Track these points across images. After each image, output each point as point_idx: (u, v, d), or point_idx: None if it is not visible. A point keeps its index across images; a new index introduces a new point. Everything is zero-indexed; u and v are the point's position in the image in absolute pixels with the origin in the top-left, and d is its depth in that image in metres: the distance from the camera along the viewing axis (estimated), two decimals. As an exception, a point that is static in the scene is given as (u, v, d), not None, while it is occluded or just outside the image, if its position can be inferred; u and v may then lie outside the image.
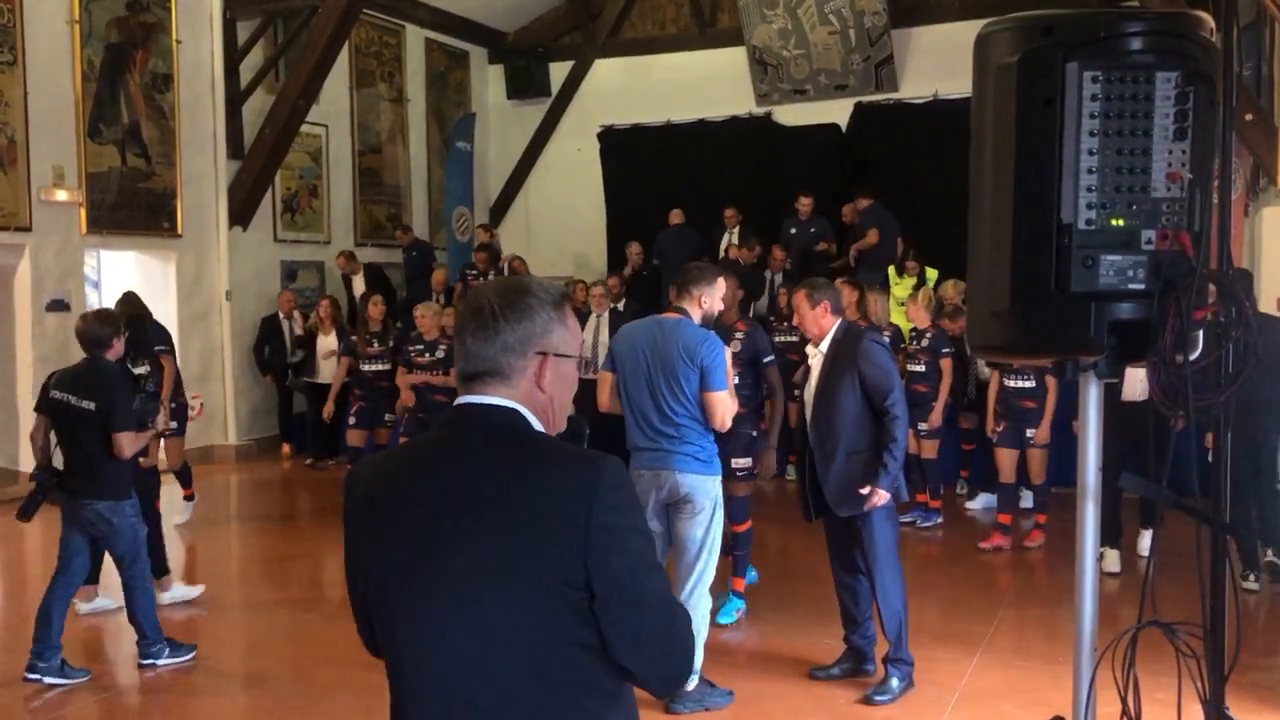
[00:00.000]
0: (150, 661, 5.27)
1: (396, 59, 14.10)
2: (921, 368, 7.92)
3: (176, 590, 6.32)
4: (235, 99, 11.62)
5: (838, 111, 13.35)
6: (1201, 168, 2.10)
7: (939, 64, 12.03)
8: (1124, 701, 2.21)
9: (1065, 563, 6.54)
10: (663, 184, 13.64)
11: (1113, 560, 6.55)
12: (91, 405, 5.08)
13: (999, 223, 2.21)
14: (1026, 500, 8.17)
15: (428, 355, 8.08)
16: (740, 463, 5.97)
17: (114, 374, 5.27)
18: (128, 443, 5.11)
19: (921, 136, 12.53)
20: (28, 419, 9.62)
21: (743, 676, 5.13)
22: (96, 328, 5.23)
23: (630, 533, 1.71)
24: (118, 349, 5.29)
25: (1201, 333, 2.14)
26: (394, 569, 1.77)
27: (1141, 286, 2.11)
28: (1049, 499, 7.45)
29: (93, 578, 6.03)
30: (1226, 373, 2.19)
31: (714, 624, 5.21)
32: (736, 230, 12.28)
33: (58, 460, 5.31)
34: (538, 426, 1.81)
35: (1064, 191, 2.11)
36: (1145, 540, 6.90)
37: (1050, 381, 7.08)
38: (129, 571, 5.26)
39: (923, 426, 7.87)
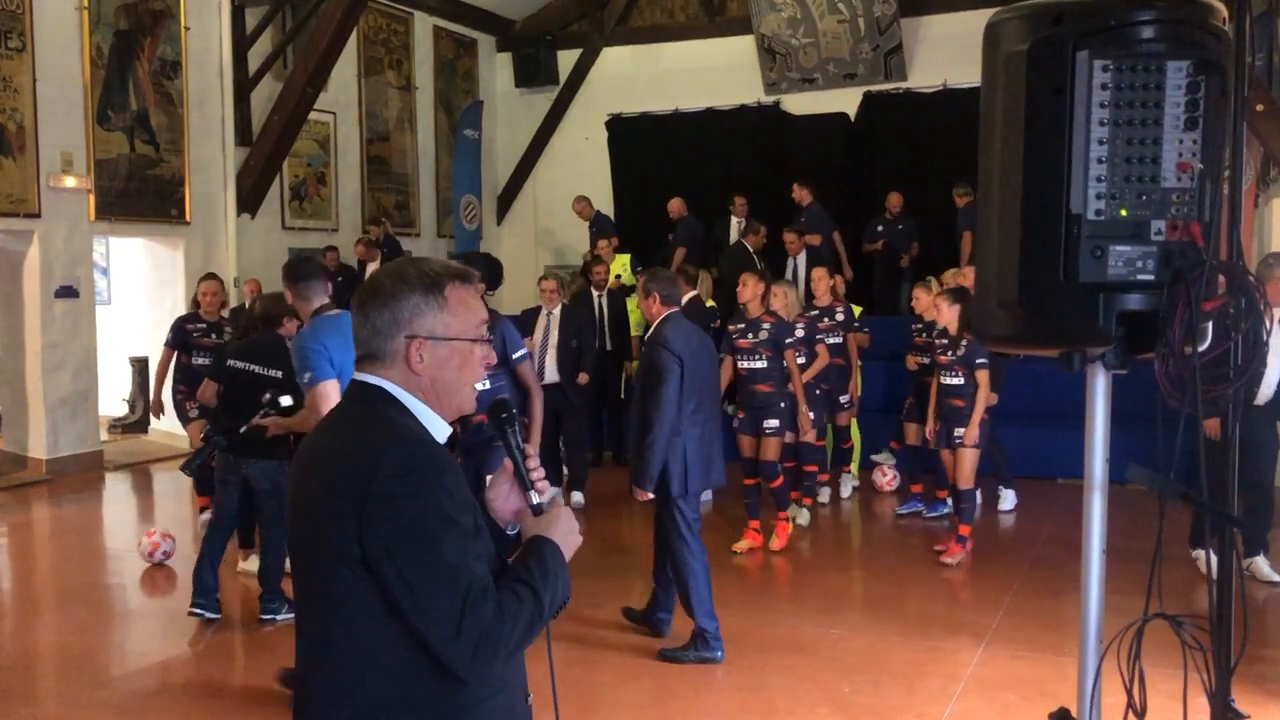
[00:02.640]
0: (270, 617, 5.74)
1: (404, 47, 14.08)
2: (959, 380, 6.81)
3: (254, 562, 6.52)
4: (243, 86, 11.63)
5: (846, 100, 13.31)
6: (1212, 158, 2.08)
7: (948, 53, 11.99)
8: (1129, 694, 2.20)
9: (1072, 554, 6.52)
10: (671, 173, 13.62)
11: (1263, 569, 6.26)
12: (279, 373, 5.61)
13: (1007, 212, 2.20)
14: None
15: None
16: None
17: (286, 347, 5.80)
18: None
19: (930, 126, 12.51)
20: (38, 405, 9.68)
21: (747, 664, 5.14)
22: (272, 305, 5.92)
23: (403, 517, 1.71)
24: (289, 327, 5.80)
25: (1211, 324, 2.12)
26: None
27: (1151, 277, 2.09)
28: (975, 508, 6.92)
29: (250, 540, 6.55)
30: (1236, 364, 2.18)
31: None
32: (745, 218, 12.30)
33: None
34: (414, 405, 1.87)
35: (1073, 181, 2.09)
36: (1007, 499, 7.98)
37: (981, 378, 6.66)
38: (275, 531, 5.77)
39: (959, 434, 6.81)
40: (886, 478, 8.80)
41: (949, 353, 6.87)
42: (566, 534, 1.91)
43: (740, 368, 7.01)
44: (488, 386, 4.63)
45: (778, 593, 6.43)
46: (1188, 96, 2.06)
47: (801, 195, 12.00)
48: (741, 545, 7.05)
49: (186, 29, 10.98)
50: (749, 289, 7.02)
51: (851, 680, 4.94)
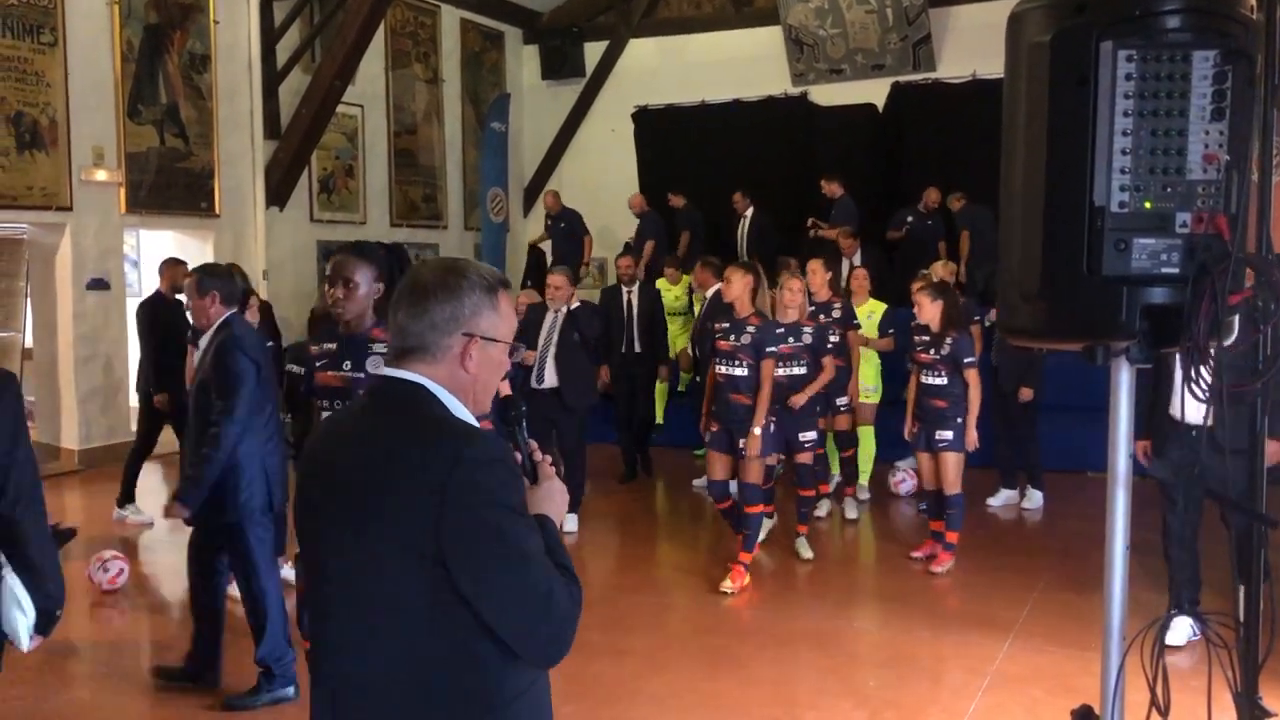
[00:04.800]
0: None
1: (432, 40, 14.11)
2: (943, 380, 6.45)
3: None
4: (272, 79, 11.69)
5: (874, 91, 13.23)
6: (1239, 149, 2.05)
7: (977, 43, 11.88)
8: (1153, 692, 2.18)
9: (1099, 548, 6.46)
10: (697, 165, 13.60)
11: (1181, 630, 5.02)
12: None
13: (1030, 205, 2.17)
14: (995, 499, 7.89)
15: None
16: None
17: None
18: None
19: (959, 117, 12.37)
20: (69, 396, 9.79)
21: (769, 658, 5.14)
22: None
23: (490, 511, 1.72)
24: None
25: (1237, 318, 2.09)
26: (305, 533, 1.91)
27: (1175, 271, 2.06)
28: (962, 515, 6.52)
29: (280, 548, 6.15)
30: (1264, 357, 2.15)
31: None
32: (750, 215, 12.29)
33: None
34: (451, 403, 1.86)
35: (1097, 173, 2.06)
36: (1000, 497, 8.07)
37: (971, 377, 6.34)
38: None
39: (941, 438, 6.44)
40: (895, 478, 8.45)
41: (930, 350, 6.47)
42: (560, 506, 1.95)
43: (719, 373, 6.17)
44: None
45: (799, 587, 6.41)
46: (1214, 87, 2.03)
47: (831, 189, 11.93)
48: (729, 585, 6.09)
49: (215, 23, 11.05)
50: (735, 285, 6.13)
51: (875, 674, 4.93)
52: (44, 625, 2.72)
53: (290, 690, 4.68)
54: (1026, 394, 7.70)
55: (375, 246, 4.03)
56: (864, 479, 8.37)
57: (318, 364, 4.11)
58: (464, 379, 1.87)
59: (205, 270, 4.83)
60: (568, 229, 12.93)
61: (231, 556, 4.71)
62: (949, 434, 6.41)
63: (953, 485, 6.44)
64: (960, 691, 4.72)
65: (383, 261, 4.06)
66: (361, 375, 3.96)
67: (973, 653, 5.15)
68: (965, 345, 6.41)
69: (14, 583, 2.65)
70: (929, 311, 6.45)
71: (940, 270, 8.05)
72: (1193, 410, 4.57)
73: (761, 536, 6.57)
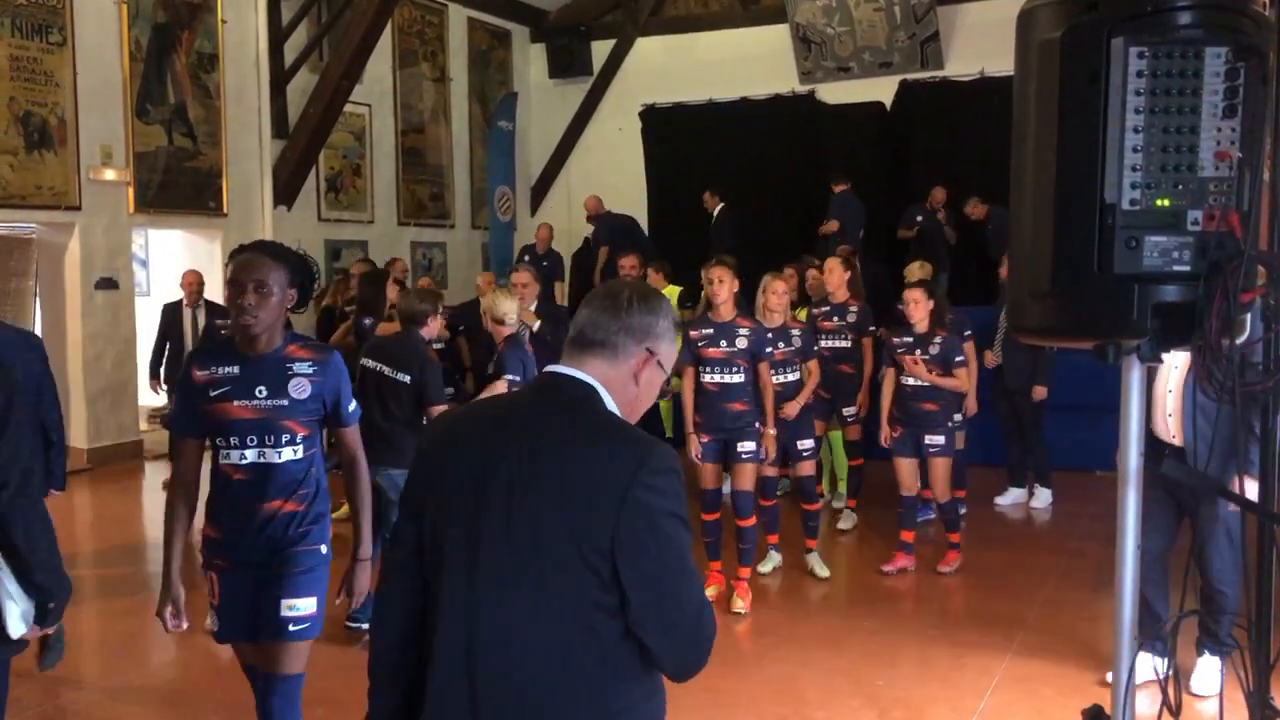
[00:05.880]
0: (357, 625, 5.23)
1: (439, 38, 14.12)
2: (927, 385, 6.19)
3: None
4: (280, 78, 11.72)
5: (882, 89, 13.22)
6: (1251, 146, 2.04)
7: (985, 41, 11.86)
8: (1164, 692, 2.17)
9: (1108, 548, 6.44)
10: (704, 163, 13.60)
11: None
12: (407, 378, 5.28)
13: (1041, 202, 2.16)
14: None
15: None
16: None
17: (426, 349, 5.50)
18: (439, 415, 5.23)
19: (967, 115, 12.39)
20: (78, 395, 9.82)
21: (779, 657, 5.13)
22: (416, 304, 5.48)
23: (666, 518, 1.75)
24: (432, 328, 5.50)
25: (1249, 316, 2.08)
26: (445, 523, 1.86)
27: (1187, 268, 2.04)
28: (959, 515, 6.43)
29: None
30: (1277, 356, 2.13)
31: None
32: (718, 212, 12.27)
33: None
34: (614, 408, 1.88)
35: (1108, 171, 2.05)
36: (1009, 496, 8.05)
37: (962, 375, 6.19)
38: None
39: (932, 443, 6.22)
40: None
41: (916, 351, 6.15)
42: None
43: (708, 382, 5.72)
44: (297, 456, 3.29)
45: (808, 586, 6.40)
46: (1226, 84, 2.01)
47: (837, 187, 11.91)
48: (708, 593, 5.58)
49: (223, 22, 11.07)
50: (727, 286, 5.70)
51: (885, 674, 4.92)
52: (39, 616, 2.73)
53: None
54: (1040, 393, 7.61)
55: (288, 247, 3.40)
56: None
57: (213, 392, 3.22)
58: (631, 393, 1.91)
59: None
60: (549, 268, 12.69)
61: None
62: (940, 439, 6.17)
63: (946, 493, 6.24)
64: (969, 691, 4.71)
65: (296, 266, 3.37)
66: (285, 403, 3.23)
67: (982, 652, 5.14)
68: (954, 345, 6.20)
69: (3, 573, 2.66)
70: (921, 310, 6.18)
71: (917, 272, 7.99)
72: (1161, 426, 4.48)
73: (767, 569, 6.39)
